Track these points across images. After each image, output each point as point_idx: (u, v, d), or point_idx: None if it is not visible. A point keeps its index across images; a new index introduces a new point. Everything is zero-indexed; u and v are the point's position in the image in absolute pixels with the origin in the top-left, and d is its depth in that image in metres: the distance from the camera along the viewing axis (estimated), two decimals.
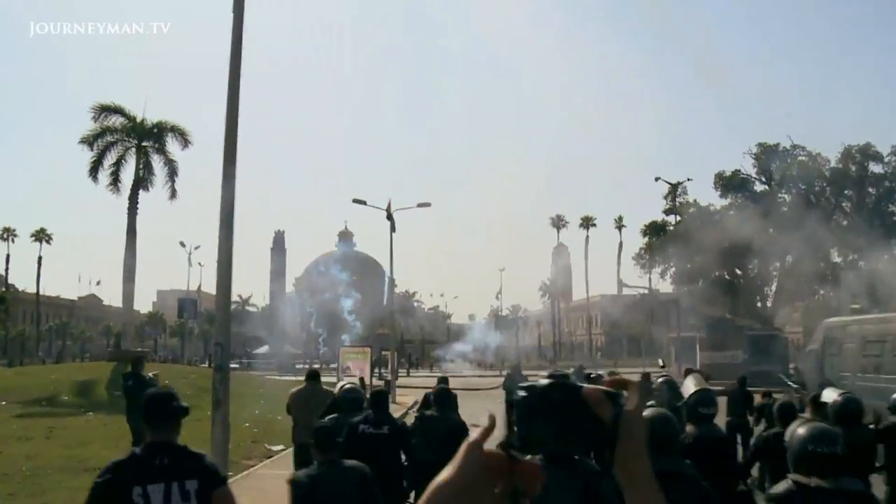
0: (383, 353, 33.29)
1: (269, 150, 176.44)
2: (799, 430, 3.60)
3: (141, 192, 33.50)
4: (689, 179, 51.09)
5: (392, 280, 33.05)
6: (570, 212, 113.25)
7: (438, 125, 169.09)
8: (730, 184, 47.95)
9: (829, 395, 6.47)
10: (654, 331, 37.39)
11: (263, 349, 69.52)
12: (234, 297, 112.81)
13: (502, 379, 26.34)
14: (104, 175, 33.65)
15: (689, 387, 5.97)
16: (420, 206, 31.65)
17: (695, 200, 48.75)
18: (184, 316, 45.55)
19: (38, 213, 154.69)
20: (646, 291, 51.50)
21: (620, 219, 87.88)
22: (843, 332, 17.00)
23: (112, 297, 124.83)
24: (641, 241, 54.46)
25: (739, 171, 48.31)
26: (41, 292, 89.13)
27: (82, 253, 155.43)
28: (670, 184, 42.58)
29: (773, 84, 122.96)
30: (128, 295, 33.09)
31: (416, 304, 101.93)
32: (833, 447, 3.44)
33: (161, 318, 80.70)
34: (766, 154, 47.80)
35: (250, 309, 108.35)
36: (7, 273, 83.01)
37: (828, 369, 16.99)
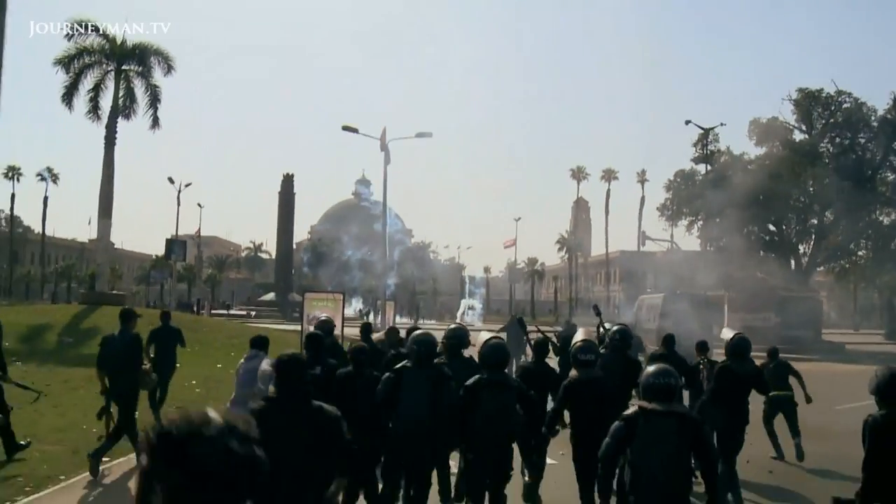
0: (378, 302, 30.84)
1: (292, 92, 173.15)
2: (648, 367, 4.70)
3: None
4: (722, 124, 46.95)
5: (386, 212, 30.25)
6: (591, 164, 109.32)
7: (459, 68, 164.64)
8: (767, 132, 43.88)
9: (727, 334, 8.02)
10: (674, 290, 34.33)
11: (269, 296, 67.21)
12: (247, 243, 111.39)
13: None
14: (81, 102, 31.00)
15: (578, 338, 6.86)
16: (419, 135, 28.22)
17: (727, 148, 44.81)
18: (171, 258, 43.29)
19: (46, 152, 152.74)
20: (669, 246, 48.18)
21: (643, 172, 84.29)
22: (643, 304, 29.94)
23: (124, 239, 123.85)
24: (665, 195, 50.59)
25: (777, 117, 44.22)
26: (54, 234, 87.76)
27: (94, 194, 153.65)
28: (702, 128, 38.80)
29: (818, 25, 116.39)
30: (104, 231, 30.59)
31: (431, 254, 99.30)
32: (667, 380, 4.41)
33: (168, 263, 78.86)
34: (807, 100, 43.57)
35: (262, 256, 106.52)
36: (12, 212, 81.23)
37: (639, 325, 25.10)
